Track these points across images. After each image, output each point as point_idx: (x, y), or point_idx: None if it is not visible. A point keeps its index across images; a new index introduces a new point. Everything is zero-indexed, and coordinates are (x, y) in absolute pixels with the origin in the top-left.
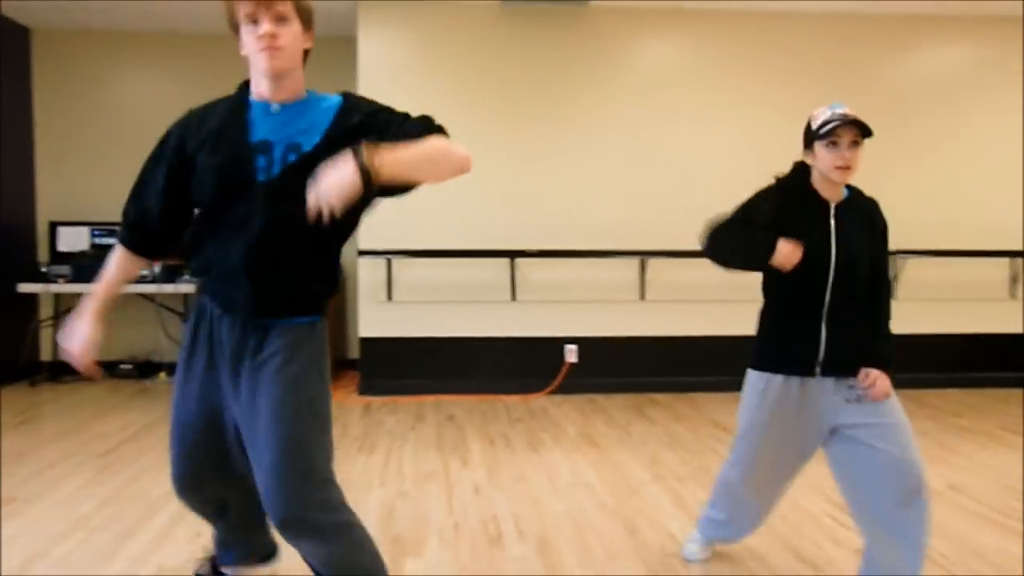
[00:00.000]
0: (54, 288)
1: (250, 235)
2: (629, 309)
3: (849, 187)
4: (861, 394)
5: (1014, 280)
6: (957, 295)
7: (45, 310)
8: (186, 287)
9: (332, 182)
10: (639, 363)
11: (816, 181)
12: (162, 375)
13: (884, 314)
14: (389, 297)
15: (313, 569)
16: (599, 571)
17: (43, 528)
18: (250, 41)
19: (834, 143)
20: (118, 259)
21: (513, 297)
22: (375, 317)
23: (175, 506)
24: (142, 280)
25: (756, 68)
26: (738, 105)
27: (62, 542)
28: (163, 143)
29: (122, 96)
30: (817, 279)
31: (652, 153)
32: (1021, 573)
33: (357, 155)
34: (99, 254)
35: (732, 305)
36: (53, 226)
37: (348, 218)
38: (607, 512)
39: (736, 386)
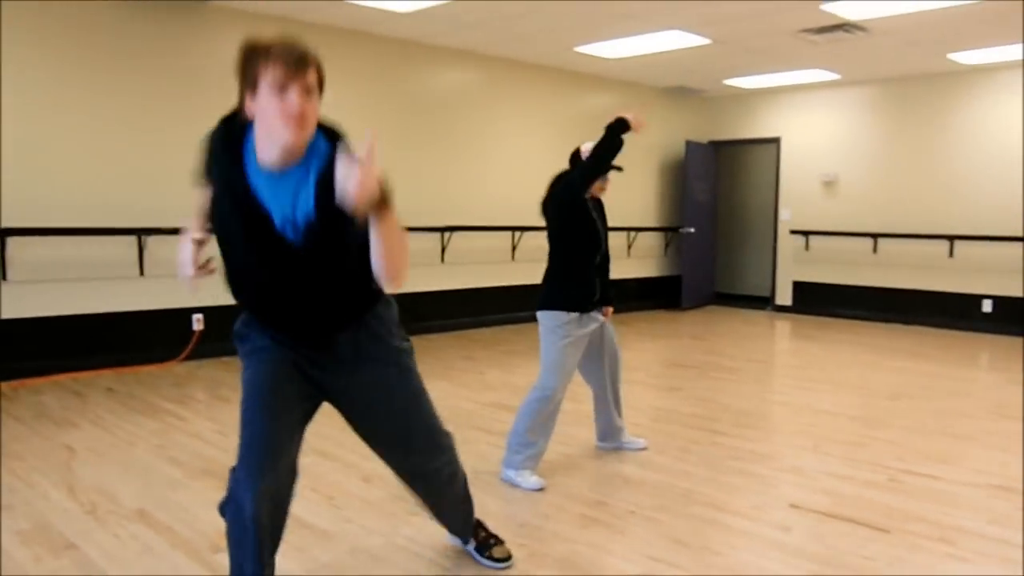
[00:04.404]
0: None
1: (296, 286)
2: None
3: None
4: (602, 317)
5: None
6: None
7: None
8: None
9: (361, 179)
10: None
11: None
12: None
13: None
14: (3, 277)
15: None
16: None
17: None
18: (272, 109)
19: None
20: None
21: (141, 273)
22: None
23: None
24: None
25: (351, 78)
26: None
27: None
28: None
29: None
30: (595, 251)
31: None
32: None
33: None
34: None
35: None
36: None
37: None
38: None
39: None
